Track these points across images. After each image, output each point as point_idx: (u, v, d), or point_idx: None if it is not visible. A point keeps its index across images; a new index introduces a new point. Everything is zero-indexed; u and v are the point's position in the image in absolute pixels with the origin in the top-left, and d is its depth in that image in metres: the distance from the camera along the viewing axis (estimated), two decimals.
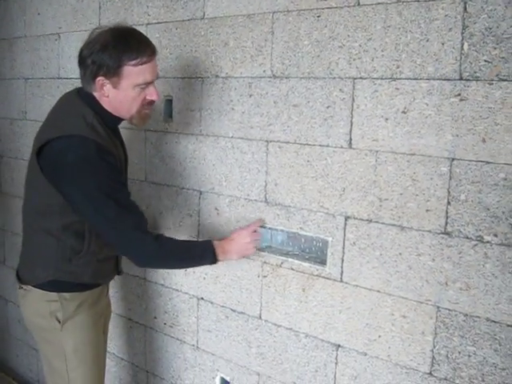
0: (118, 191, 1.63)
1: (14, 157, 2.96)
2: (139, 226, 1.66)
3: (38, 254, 1.75)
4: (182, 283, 2.17)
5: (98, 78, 1.59)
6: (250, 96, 1.87)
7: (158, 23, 2.12)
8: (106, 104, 1.66)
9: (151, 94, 1.66)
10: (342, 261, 1.72)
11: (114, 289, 2.46)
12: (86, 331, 1.80)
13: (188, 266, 1.94)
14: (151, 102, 1.69)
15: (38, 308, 1.75)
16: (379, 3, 1.56)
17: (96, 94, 1.65)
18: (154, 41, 2.03)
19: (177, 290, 2.20)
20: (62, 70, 2.51)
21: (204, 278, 2.09)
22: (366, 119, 1.62)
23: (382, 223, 1.61)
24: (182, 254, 1.76)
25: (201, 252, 1.76)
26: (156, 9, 2.13)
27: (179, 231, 2.14)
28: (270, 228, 1.87)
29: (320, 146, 1.72)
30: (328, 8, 1.66)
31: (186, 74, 2.05)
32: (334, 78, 1.67)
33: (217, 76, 1.96)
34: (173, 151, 2.13)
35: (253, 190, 1.90)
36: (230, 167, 1.96)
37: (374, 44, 1.58)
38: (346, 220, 1.69)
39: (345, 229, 1.70)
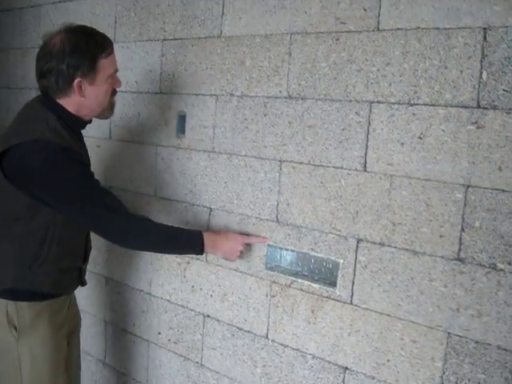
0: (87, 181, 1.67)
1: None
2: (116, 208, 1.70)
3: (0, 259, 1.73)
4: (188, 299, 2.17)
5: (77, 80, 1.63)
6: (265, 115, 1.89)
7: (174, 39, 2.15)
8: (73, 108, 1.69)
9: (117, 82, 1.76)
10: (353, 283, 1.72)
11: (118, 303, 2.47)
12: (44, 345, 1.76)
13: (174, 252, 1.93)
14: (115, 91, 1.78)
15: None
16: (399, 29, 1.58)
17: (65, 100, 1.67)
18: (169, 57, 2.08)
19: (183, 307, 2.20)
20: None
21: (211, 296, 2.09)
22: (381, 143, 1.63)
23: (395, 247, 1.62)
24: (169, 237, 1.78)
25: (189, 240, 1.80)
26: (172, 25, 2.15)
27: None
28: (280, 247, 1.88)
29: (334, 167, 1.74)
30: (347, 32, 1.69)
31: (201, 91, 2.07)
32: (351, 100, 1.69)
33: (232, 94, 1.97)
34: (184, 167, 2.14)
35: (264, 209, 1.91)
36: (241, 185, 1.97)
37: (392, 69, 1.60)
38: (358, 243, 1.70)
39: (356, 251, 1.71)
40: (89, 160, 1.84)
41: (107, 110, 1.79)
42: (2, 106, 3.02)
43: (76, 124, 1.75)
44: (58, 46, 1.62)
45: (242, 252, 1.89)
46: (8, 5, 2.98)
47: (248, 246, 1.91)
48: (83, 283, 1.96)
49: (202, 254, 1.82)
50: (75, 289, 1.95)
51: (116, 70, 1.75)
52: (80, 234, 1.85)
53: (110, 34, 2.33)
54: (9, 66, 2.90)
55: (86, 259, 1.93)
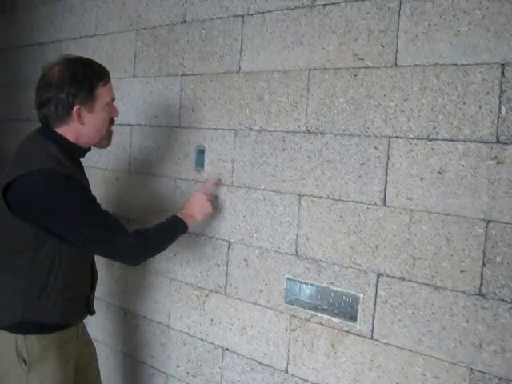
0: (92, 206, 1.72)
1: None
2: (121, 228, 1.75)
3: (6, 294, 1.74)
4: (207, 333, 2.18)
5: (76, 108, 1.68)
6: (284, 150, 1.91)
7: (193, 75, 2.19)
8: (72, 136, 1.73)
9: (114, 111, 1.84)
10: (373, 318, 1.72)
11: (136, 335, 2.48)
12: (54, 378, 1.77)
13: (169, 245, 1.94)
14: (113, 120, 1.85)
15: (5, 352, 1.73)
16: (416, 65, 1.61)
17: (64, 128, 1.72)
18: (188, 92, 2.12)
19: (202, 340, 2.20)
20: None
21: (230, 329, 2.10)
22: (400, 178, 1.64)
23: (415, 282, 1.62)
24: (162, 237, 1.88)
25: (174, 228, 1.91)
26: (192, 60, 2.19)
27: (207, 280, 2.16)
28: (299, 281, 1.89)
29: (353, 202, 1.75)
30: (365, 68, 1.71)
31: (220, 125, 2.10)
32: (370, 135, 1.71)
33: (250, 129, 2.00)
34: None
35: (283, 243, 1.92)
36: (261, 219, 1.98)
37: (411, 104, 1.62)
38: (378, 277, 1.70)
39: (377, 286, 1.71)
40: (89, 186, 1.88)
41: (105, 139, 1.85)
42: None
43: (76, 152, 1.79)
44: (57, 75, 1.68)
45: (209, 201, 2.03)
46: (29, 40, 3.05)
47: (215, 198, 2.11)
48: (92, 312, 1.97)
49: (187, 230, 1.94)
50: (84, 318, 1.96)
51: (113, 99, 1.81)
52: (85, 262, 1.88)
53: (129, 69, 2.41)
54: (29, 99, 2.95)
55: (93, 288, 1.96)
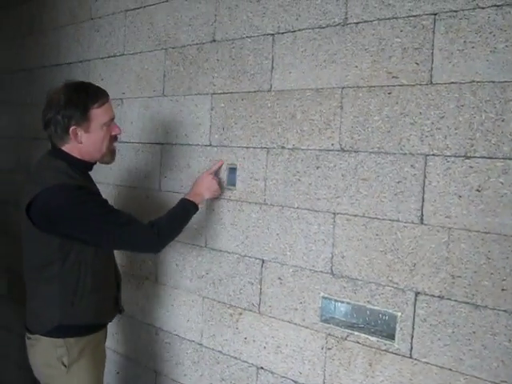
0: (105, 207, 1.88)
1: None
2: (135, 221, 1.90)
3: (43, 303, 1.91)
4: (241, 351, 2.19)
5: (72, 128, 1.82)
6: (317, 168, 1.92)
7: (224, 93, 2.21)
8: (77, 153, 1.88)
9: (115, 129, 1.96)
10: (412, 337, 1.72)
11: (169, 353, 2.49)
12: (89, 374, 1.96)
13: (183, 227, 2.07)
14: (115, 137, 1.98)
15: (46, 356, 1.90)
16: (453, 83, 1.61)
17: (67, 147, 1.87)
18: (219, 110, 2.17)
19: (235, 358, 2.21)
20: (124, 135, 2.59)
21: (264, 348, 2.10)
22: (438, 196, 1.65)
23: (455, 300, 1.62)
24: (175, 222, 2.02)
25: (185, 211, 2.07)
26: (222, 79, 2.22)
27: (240, 298, 2.17)
28: (335, 300, 1.89)
29: (390, 220, 1.75)
30: (399, 85, 1.72)
31: (251, 143, 2.12)
32: (405, 153, 1.71)
33: (283, 147, 2.02)
34: (235, 219, 2.18)
35: (318, 262, 1.93)
36: (294, 237, 2.00)
37: (447, 122, 1.63)
38: (416, 295, 1.71)
39: (415, 304, 1.71)
40: (100, 193, 2.03)
41: (106, 156, 1.97)
42: None
43: (83, 167, 1.93)
44: (56, 99, 1.83)
45: (216, 181, 2.18)
46: (56, 60, 3.11)
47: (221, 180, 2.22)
48: (121, 311, 2.17)
49: (197, 209, 2.10)
50: (114, 316, 2.13)
51: (112, 118, 1.93)
52: (108, 266, 2.05)
53: (158, 88, 2.44)
54: None
55: (119, 288, 2.14)
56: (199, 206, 2.11)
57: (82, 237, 1.83)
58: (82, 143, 1.87)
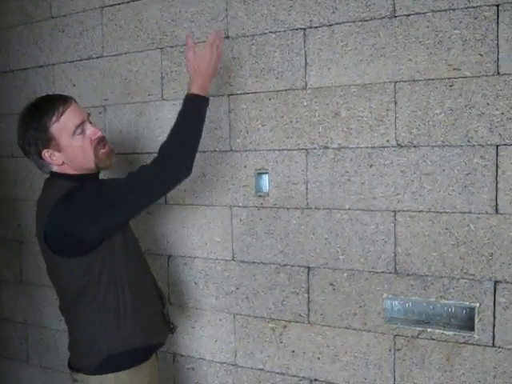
0: (109, 183, 1.77)
1: None
2: (140, 169, 1.75)
3: (86, 333, 1.78)
4: (288, 365, 2.14)
5: (43, 153, 1.70)
6: (371, 166, 1.93)
7: (245, 93, 2.13)
8: (70, 170, 1.75)
9: (93, 133, 1.76)
10: (493, 326, 1.80)
11: (193, 379, 2.38)
12: None
13: (200, 129, 1.80)
14: (100, 140, 1.78)
15: None
16: None
17: (56, 168, 1.75)
18: (239, 112, 2.15)
19: (282, 374, 2.16)
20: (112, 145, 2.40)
21: (318, 358, 2.08)
22: None
23: None
24: (187, 132, 1.76)
25: (194, 111, 1.78)
26: (241, 79, 2.14)
27: (283, 311, 2.13)
28: (401, 299, 1.92)
29: (461, 213, 1.81)
30: (462, 77, 1.78)
31: (285, 145, 2.07)
32: (474, 145, 1.77)
33: (326, 147, 2.00)
34: (270, 227, 2.13)
35: (378, 262, 1.94)
36: (347, 240, 1.99)
37: None
38: (495, 284, 1.78)
39: (495, 293, 1.79)
40: None
41: (101, 162, 1.78)
42: (9, 178, 2.82)
43: (85, 180, 1.76)
44: (18, 126, 1.73)
45: (218, 48, 1.82)
46: (5, 66, 2.80)
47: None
48: (172, 329, 1.98)
49: (208, 101, 1.80)
50: (166, 336, 1.97)
51: (80, 123, 1.72)
52: (146, 279, 1.91)
53: (155, 92, 2.32)
54: (13, 132, 2.70)
55: (163, 303, 1.96)
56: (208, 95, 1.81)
57: (105, 223, 1.68)
58: (64, 163, 1.73)
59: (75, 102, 1.76)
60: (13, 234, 2.93)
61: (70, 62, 2.57)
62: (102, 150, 1.77)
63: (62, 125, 1.69)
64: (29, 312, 2.90)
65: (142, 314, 1.80)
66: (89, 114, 1.78)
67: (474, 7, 1.75)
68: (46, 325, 2.81)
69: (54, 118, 1.68)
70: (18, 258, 2.92)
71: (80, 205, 1.65)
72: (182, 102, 1.77)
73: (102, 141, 1.78)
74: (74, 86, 2.54)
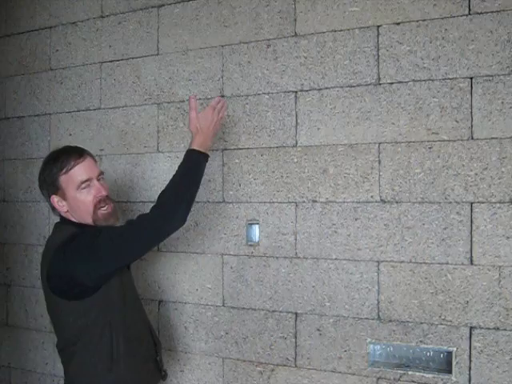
0: (107, 230, 1.83)
1: (29, 285, 2.85)
2: (137, 219, 1.84)
3: (81, 375, 1.86)
4: None
5: (52, 198, 1.87)
6: (356, 220, 2.11)
7: (238, 149, 2.31)
8: (72, 218, 1.89)
9: (97, 190, 1.87)
10: (470, 368, 1.97)
11: None
12: None
13: (198, 183, 1.91)
14: (103, 199, 1.88)
15: None
16: (493, 138, 1.92)
17: (63, 214, 1.91)
18: (232, 166, 2.32)
19: None
20: None
21: None
22: (486, 238, 1.94)
23: (511, 330, 1.91)
24: (185, 185, 1.86)
25: (193, 165, 1.90)
26: (235, 135, 2.31)
27: (271, 354, 2.26)
28: (384, 344, 2.08)
29: (439, 263, 2.00)
30: (440, 141, 1.99)
31: (276, 198, 2.24)
32: (451, 202, 1.98)
33: (314, 201, 2.18)
34: (260, 275, 2.28)
35: (363, 309, 2.11)
36: (333, 288, 2.15)
37: (491, 173, 1.93)
38: (471, 330, 1.96)
39: (470, 338, 1.97)
40: None
41: (98, 220, 1.87)
42: (0, 222, 2.91)
43: (88, 226, 1.88)
44: (39, 170, 1.91)
45: (219, 113, 1.98)
46: (2, 114, 2.93)
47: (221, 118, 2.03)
48: (163, 376, 2.06)
49: (208, 157, 1.94)
50: (158, 382, 2.05)
51: (86, 179, 1.84)
52: (140, 325, 1.99)
53: (151, 144, 2.48)
54: (5, 177, 2.80)
55: (157, 350, 2.04)
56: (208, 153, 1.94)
57: (100, 269, 1.78)
58: (67, 211, 1.88)
59: (91, 157, 1.90)
60: (1, 277, 3.00)
61: (68, 113, 2.71)
62: (103, 209, 1.87)
63: (70, 177, 1.84)
64: (13, 356, 2.95)
65: (134, 358, 1.89)
66: (102, 172, 1.92)
67: (450, 79, 1.98)
68: (31, 368, 2.87)
69: (64, 170, 1.83)
70: (4, 301, 2.98)
71: (78, 250, 1.76)
72: (177, 154, 1.91)
73: (104, 200, 1.88)
74: (71, 135, 2.68)
